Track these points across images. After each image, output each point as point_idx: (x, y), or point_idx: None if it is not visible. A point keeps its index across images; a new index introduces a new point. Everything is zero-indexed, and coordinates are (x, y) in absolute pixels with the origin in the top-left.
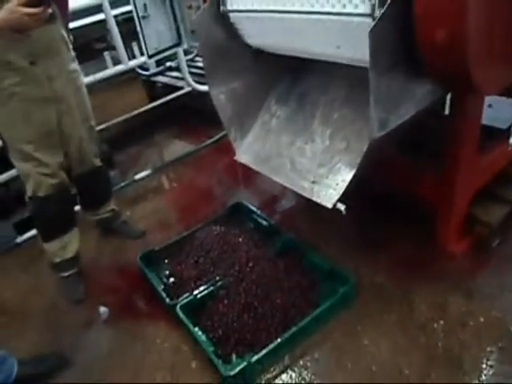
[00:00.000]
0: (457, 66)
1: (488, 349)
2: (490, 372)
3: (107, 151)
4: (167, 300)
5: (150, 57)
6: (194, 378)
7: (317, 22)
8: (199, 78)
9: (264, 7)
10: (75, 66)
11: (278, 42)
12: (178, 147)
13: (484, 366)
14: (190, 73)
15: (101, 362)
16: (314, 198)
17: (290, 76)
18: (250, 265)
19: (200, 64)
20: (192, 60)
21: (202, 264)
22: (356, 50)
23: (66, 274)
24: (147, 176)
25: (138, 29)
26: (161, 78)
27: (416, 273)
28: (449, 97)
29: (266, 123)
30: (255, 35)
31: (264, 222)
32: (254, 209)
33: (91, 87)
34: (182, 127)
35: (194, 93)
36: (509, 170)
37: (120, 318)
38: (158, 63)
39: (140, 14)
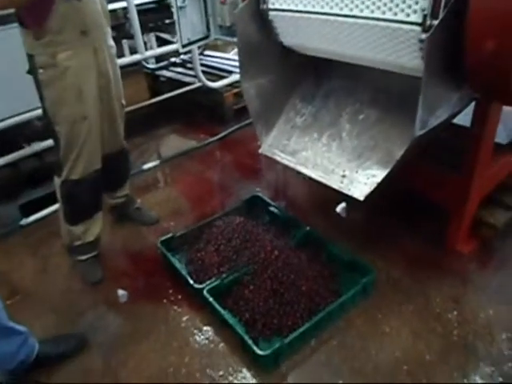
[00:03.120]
0: (499, 76)
1: (499, 338)
2: (503, 358)
3: None
4: (193, 283)
5: (183, 46)
6: (223, 361)
7: (363, 26)
8: (205, 75)
9: (310, 8)
10: (112, 42)
11: (316, 44)
12: (181, 142)
13: (497, 352)
14: None
15: (123, 345)
16: (345, 191)
17: (314, 76)
18: (276, 253)
19: (205, 62)
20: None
21: (223, 251)
22: (398, 57)
23: (84, 257)
24: (155, 166)
25: (176, 18)
26: (165, 73)
27: (429, 269)
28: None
29: (291, 119)
30: (293, 35)
31: (282, 215)
32: (271, 202)
33: None
34: (185, 123)
35: (201, 89)
36: (508, 180)
37: (140, 301)
38: (158, 59)
39: (178, 4)
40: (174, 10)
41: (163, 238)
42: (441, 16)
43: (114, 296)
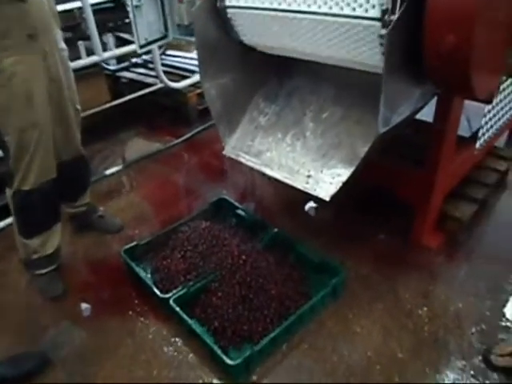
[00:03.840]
0: (459, 71)
1: (468, 331)
2: (474, 351)
3: None
4: (159, 293)
5: (141, 47)
6: (193, 372)
7: (322, 23)
8: (167, 75)
9: (267, 5)
10: (64, 45)
11: (276, 42)
12: (145, 145)
13: (467, 346)
14: None
15: (88, 362)
16: (311, 191)
17: (277, 74)
18: (243, 258)
19: (167, 61)
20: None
21: (189, 258)
22: (359, 53)
23: (44, 271)
24: (118, 172)
25: (131, 17)
26: (126, 74)
27: (398, 265)
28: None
29: (255, 119)
30: (252, 33)
31: (249, 218)
32: (238, 204)
33: None
34: (150, 126)
35: (163, 90)
36: (472, 172)
37: (104, 314)
38: (119, 59)
39: (134, 3)
40: (129, 9)
41: (126, 246)
42: (399, 11)
43: (76, 310)
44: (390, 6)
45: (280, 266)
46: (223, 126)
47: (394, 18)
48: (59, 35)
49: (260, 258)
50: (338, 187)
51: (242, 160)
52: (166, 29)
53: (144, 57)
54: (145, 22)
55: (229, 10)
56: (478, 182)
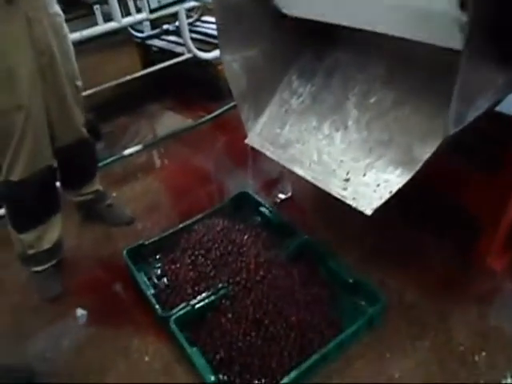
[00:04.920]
0: None
1: None
2: None
3: (93, 120)
4: (159, 311)
5: (151, 11)
6: None
7: None
8: (200, 44)
9: None
10: (58, 9)
11: (320, 6)
12: (173, 121)
13: None
14: (191, 38)
15: (75, 380)
16: (348, 201)
17: (315, 47)
18: (261, 273)
19: (201, 29)
20: (192, 24)
21: (200, 265)
22: (427, 22)
23: (41, 268)
24: (137, 152)
25: None
26: (157, 42)
27: (452, 291)
28: None
29: (286, 102)
30: None
31: (274, 219)
32: (262, 201)
33: (77, 47)
34: (178, 99)
35: (193, 61)
36: None
37: (101, 324)
38: (154, 25)
39: None
40: None
41: (130, 246)
42: None
43: (72, 315)
44: None
45: (306, 283)
46: (247, 109)
47: None
48: None
49: (282, 274)
50: (384, 198)
51: (267, 152)
52: None
53: (177, 23)
54: None
55: None
56: None
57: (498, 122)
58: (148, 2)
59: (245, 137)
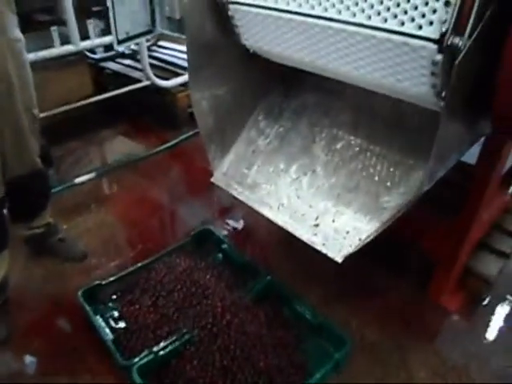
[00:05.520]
0: None
1: None
2: None
3: (45, 145)
4: (119, 360)
5: (119, 42)
6: None
7: (354, 36)
8: (157, 70)
9: (282, 6)
10: (19, 34)
11: (289, 52)
12: (126, 148)
13: None
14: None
15: None
16: (318, 247)
17: (283, 87)
18: (228, 317)
19: (158, 54)
20: (149, 49)
21: (162, 307)
22: (399, 80)
23: None
24: (90, 180)
25: (109, 5)
26: (111, 65)
27: (411, 329)
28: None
29: (253, 141)
30: (258, 38)
31: (238, 258)
32: (225, 239)
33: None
34: (132, 125)
35: (150, 87)
36: (501, 222)
37: (52, 372)
38: (107, 47)
39: None
40: None
41: (85, 287)
42: (474, 34)
43: (19, 364)
44: (451, 26)
45: (272, 326)
46: (214, 146)
47: (462, 42)
48: (10, 20)
49: (248, 318)
50: (354, 246)
51: (234, 192)
52: (154, 22)
53: (133, 46)
54: (127, 12)
55: (231, 7)
56: (504, 230)
57: (460, 171)
58: (116, 32)
59: (202, 169)
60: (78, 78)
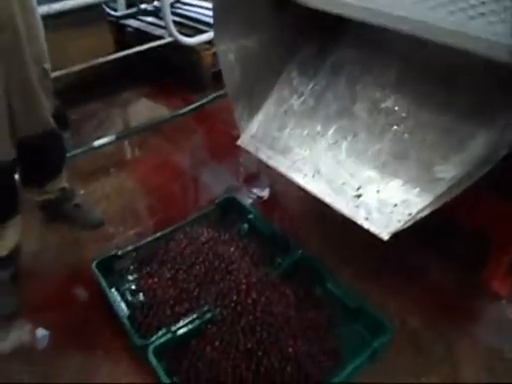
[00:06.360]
0: None
1: None
2: None
3: (60, 106)
4: (135, 339)
5: None
6: None
7: None
8: (180, 27)
9: None
10: None
11: None
12: (149, 111)
13: None
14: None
15: None
16: (360, 221)
17: (318, 42)
18: (253, 296)
19: (182, 11)
20: (172, 5)
21: (182, 281)
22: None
23: None
24: (110, 143)
25: None
26: (132, 22)
27: (457, 316)
28: None
29: (285, 100)
30: None
31: (265, 229)
32: (252, 209)
33: (45, 22)
34: (156, 86)
35: (174, 45)
36: None
37: (64, 348)
38: (129, 4)
39: None
40: None
41: (100, 258)
42: None
43: (30, 337)
44: None
45: (301, 307)
46: (241, 105)
47: None
48: None
49: (276, 296)
50: (404, 222)
51: (263, 157)
52: None
53: (155, 2)
54: None
55: None
56: None
57: None
58: None
59: (229, 132)
60: (97, 36)
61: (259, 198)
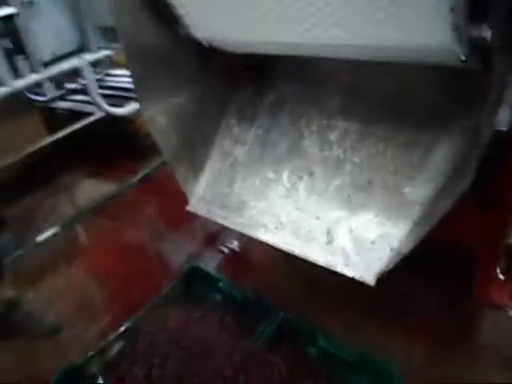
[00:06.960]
0: None
1: None
2: None
3: None
4: None
5: (45, 65)
6: None
7: None
8: (114, 100)
9: None
10: None
11: (253, 34)
12: (94, 190)
13: None
14: (103, 95)
15: None
16: (339, 269)
17: (253, 83)
18: (242, 378)
19: (113, 84)
20: (101, 80)
21: (158, 378)
22: (406, 30)
23: None
24: (54, 235)
25: (20, 22)
26: (62, 104)
27: (464, 345)
28: None
29: (229, 152)
30: (211, 23)
31: (239, 295)
32: (219, 275)
33: None
34: (97, 163)
35: (108, 119)
36: None
37: None
38: (58, 85)
39: None
40: (12, 9)
41: (60, 371)
42: None
43: None
44: None
45: (295, 374)
46: (183, 168)
47: None
48: None
49: (267, 369)
50: (388, 260)
51: (217, 219)
52: (85, 37)
53: (82, 81)
54: (48, 29)
55: None
56: None
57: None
58: (38, 53)
59: (179, 195)
60: (26, 125)
61: (226, 258)
